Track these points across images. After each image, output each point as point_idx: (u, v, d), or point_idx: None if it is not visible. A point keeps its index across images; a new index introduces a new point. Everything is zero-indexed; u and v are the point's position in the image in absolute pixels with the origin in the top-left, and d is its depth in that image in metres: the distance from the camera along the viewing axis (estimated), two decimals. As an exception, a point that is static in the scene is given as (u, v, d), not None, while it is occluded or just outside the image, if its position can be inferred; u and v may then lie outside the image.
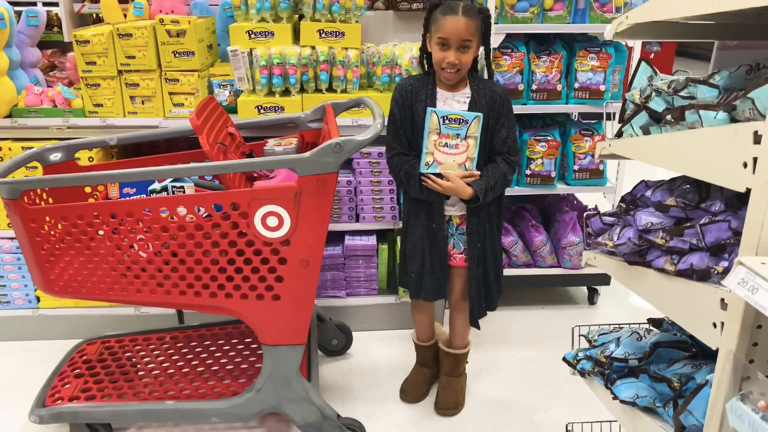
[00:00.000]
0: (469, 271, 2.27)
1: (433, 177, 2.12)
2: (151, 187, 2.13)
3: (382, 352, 2.87)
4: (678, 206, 1.12)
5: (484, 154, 2.16)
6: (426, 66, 2.25)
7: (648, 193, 1.24)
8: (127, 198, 2.21)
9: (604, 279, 3.20)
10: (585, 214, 1.39)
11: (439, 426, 2.41)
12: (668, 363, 1.26)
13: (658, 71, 1.29)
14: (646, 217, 1.16)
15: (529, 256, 3.15)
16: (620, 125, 1.31)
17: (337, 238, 2.98)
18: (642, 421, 1.24)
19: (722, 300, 0.98)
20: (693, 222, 1.08)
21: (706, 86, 1.07)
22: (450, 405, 2.46)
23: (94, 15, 3.38)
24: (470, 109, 2.14)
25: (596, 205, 1.52)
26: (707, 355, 1.27)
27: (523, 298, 3.32)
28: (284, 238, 1.94)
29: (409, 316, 2.72)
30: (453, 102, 2.17)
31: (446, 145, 2.11)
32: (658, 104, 1.18)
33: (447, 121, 2.08)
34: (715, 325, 0.99)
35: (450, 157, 2.13)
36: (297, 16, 2.90)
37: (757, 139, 0.89)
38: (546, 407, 2.50)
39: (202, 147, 1.93)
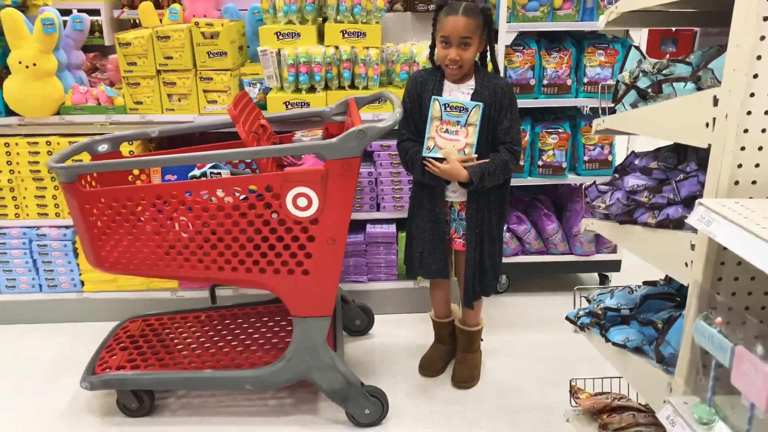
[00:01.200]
0: (466, 255, 2.44)
1: (432, 161, 2.30)
2: (191, 173, 2.34)
3: (401, 333, 3.05)
4: (660, 169, 1.29)
5: (487, 143, 2.33)
6: (436, 61, 2.43)
7: (636, 161, 1.40)
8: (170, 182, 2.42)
9: (614, 266, 3.35)
10: (583, 185, 1.56)
11: (455, 397, 2.57)
12: (656, 312, 1.42)
13: (646, 56, 1.45)
14: (632, 180, 1.33)
15: (542, 243, 3.31)
16: (614, 104, 1.48)
17: (359, 226, 3.17)
18: (632, 360, 1.40)
19: (691, 243, 1.15)
20: (670, 179, 1.25)
21: (682, 64, 1.23)
22: (466, 378, 2.63)
23: (132, 20, 3.62)
24: (472, 99, 2.31)
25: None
26: (690, 304, 1.42)
27: (537, 284, 3.47)
28: (313, 217, 2.12)
29: (426, 301, 2.90)
30: (458, 93, 2.35)
31: (447, 131, 2.29)
32: (644, 83, 1.34)
33: (448, 109, 2.26)
34: (686, 265, 1.16)
35: (450, 142, 2.30)
36: (321, 18, 3.10)
37: (715, 102, 1.06)
38: (557, 382, 2.65)
39: (239, 134, 2.13)
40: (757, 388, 0.88)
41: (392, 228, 3.15)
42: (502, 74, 2.80)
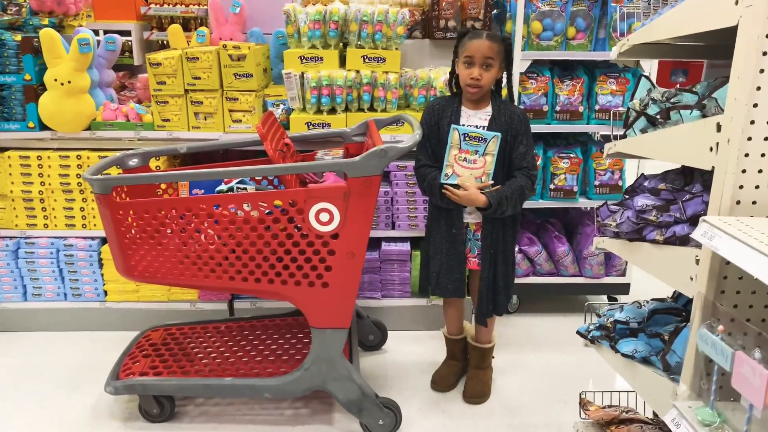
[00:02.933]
0: (480, 274, 2.53)
1: (451, 188, 2.40)
2: (218, 188, 2.45)
3: (413, 349, 3.12)
4: (667, 189, 1.38)
5: (503, 169, 2.43)
6: (454, 88, 2.55)
7: (646, 183, 1.50)
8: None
9: (623, 288, 3.42)
10: (596, 206, 1.65)
11: (467, 412, 2.64)
12: (663, 325, 1.50)
13: (656, 85, 1.56)
14: (642, 200, 1.42)
15: (553, 265, 3.39)
16: (624, 129, 1.58)
17: (374, 243, 3.26)
18: (639, 370, 1.47)
19: (696, 257, 1.24)
20: (677, 199, 1.34)
21: (689, 93, 1.33)
22: (477, 394, 2.69)
23: (161, 41, 3.78)
24: (490, 125, 2.41)
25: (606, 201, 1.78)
26: (695, 318, 1.50)
27: (547, 305, 3.54)
28: (334, 232, 2.22)
29: (438, 318, 2.98)
30: (475, 119, 2.46)
31: (465, 159, 2.39)
32: (653, 110, 1.44)
33: (467, 138, 2.36)
34: (692, 279, 1.24)
35: (468, 170, 2.40)
36: (343, 43, 3.24)
37: (718, 128, 1.16)
38: (566, 400, 2.71)
39: (266, 151, 2.24)
40: (755, 390, 0.96)
41: (407, 246, 3.25)
42: (516, 102, 2.92)
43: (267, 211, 2.25)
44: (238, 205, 2.23)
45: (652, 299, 1.68)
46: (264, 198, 2.24)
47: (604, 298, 3.57)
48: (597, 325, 1.72)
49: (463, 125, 2.43)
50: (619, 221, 1.47)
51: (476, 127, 2.43)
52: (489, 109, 2.45)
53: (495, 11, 3.43)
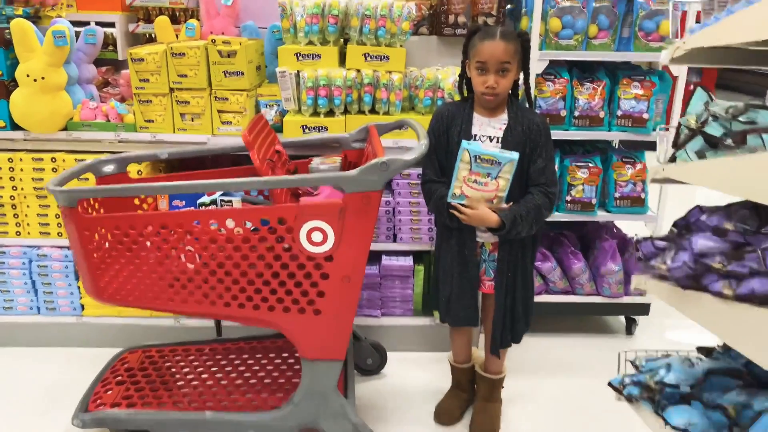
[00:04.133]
0: (495, 299, 2.27)
1: (459, 206, 2.13)
2: (200, 200, 2.19)
3: (416, 375, 2.86)
4: (737, 231, 1.12)
5: (519, 185, 2.16)
6: (465, 91, 2.28)
7: (703, 218, 1.24)
8: (178, 210, 2.27)
9: (643, 309, 3.16)
10: (635, 239, 1.39)
11: (473, 450, 2.39)
12: (722, 391, 1.25)
13: (714, 97, 1.29)
14: (703, 242, 1.16)
15: (567, 283, 3.13)
16: (674, 150, 1.32)
17: (374, 257, 3.00)
18: (693, 448, 1.22)
19: (784, 326, 0.98)
20: (754, 246, 1.08)
21: (766, 111, 1.07)
22: (485, 429, 2.44)
23: (147, 35, 3.51)
24: (505, 135, 2.14)
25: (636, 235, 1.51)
26: (762, 384, 1.24)
27: (561, 325, 3.28)
28: (328, 254, 1.97)
29: (444, 339, 2.72)
30: (488, 128, 2.18)
31: (476, 181, 2.11)
32: (715, 129, 1.18)
33: (479, 161, 2.08)
34: (776, 351, 0.98)
35: (478, 193, 2.12)
36: (343, 39, 2.97)
37: (818, 162, 0.89)
38: (583, 436, 2.46)
39: (252, 162, 1.98)
40: None
41: (409, 261, 2.99)
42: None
43: (253, 228, 1.99)
44: (220, 222, 1.98)
45: (698, 349, 1.42)
46: (249, 214, 1.99)
47: (622, 318, 3.30)
48: (635, 380, 1.45)
49: (475, 136, 2.17)
50: (671, 265, 1.21)
51: (490, 139, 2.16)
52: (504, 116, 2.18)
53: (509, 6, 3.16)
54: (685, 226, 1.30)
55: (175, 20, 3.51)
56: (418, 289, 3.03)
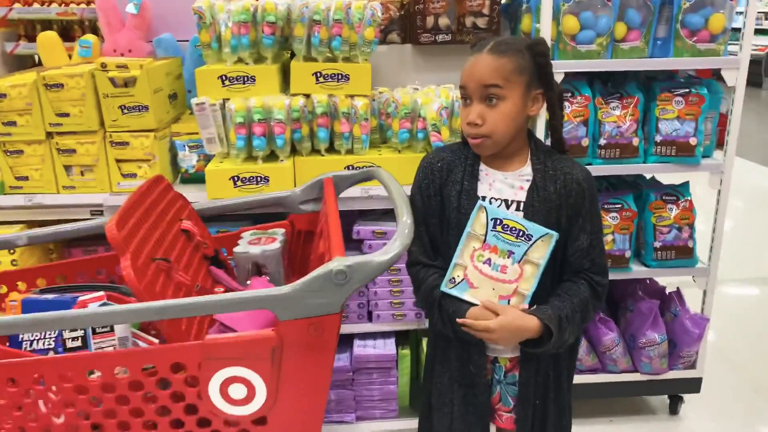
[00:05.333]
0: None
1: (471, 313, 1.38)
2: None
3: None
4: None
5: (552, 270, 1.43)
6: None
7: None
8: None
9: (693, 385, 2.46)
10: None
11: None
12: None
13: None
14: None
15: (596, 358, 2.41)
16: None
17: (343, 343, 2.27)
18: None
19: None
20: None
21: None
22: None
23: (34, 57, 2.71)
24: (529, 199, 1.40)
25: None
26: None
27: (589, 408, 2.56)
28: (257, 416, 1.21)
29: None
30: (503, 186, 1.44)
31: (488, 261, 1.38)
32: None
33: (499, 227, 1.35)
34: None
35: (490, 282, 1.39)
36: (288, 52, 2.22)
37: None
38: None
39: (124, 276, 1.21)
40: None
41: (390, 346, 2.27)
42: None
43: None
44: (76, 372, 1.20)
45: None
46: (122, 360, 1.21)
47: (664, 395, 2.59)
48: None
49: (484, 199, 1.43)
50: None
51: (507, 204, 1.42)
52: (527, 169, 1.44)
53: (504, 1, 2.43)
54: None
55: (68, 36, 2.71)
56: (404, 380, 2.31)
